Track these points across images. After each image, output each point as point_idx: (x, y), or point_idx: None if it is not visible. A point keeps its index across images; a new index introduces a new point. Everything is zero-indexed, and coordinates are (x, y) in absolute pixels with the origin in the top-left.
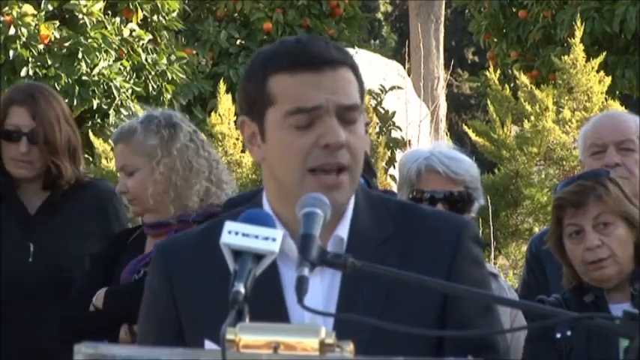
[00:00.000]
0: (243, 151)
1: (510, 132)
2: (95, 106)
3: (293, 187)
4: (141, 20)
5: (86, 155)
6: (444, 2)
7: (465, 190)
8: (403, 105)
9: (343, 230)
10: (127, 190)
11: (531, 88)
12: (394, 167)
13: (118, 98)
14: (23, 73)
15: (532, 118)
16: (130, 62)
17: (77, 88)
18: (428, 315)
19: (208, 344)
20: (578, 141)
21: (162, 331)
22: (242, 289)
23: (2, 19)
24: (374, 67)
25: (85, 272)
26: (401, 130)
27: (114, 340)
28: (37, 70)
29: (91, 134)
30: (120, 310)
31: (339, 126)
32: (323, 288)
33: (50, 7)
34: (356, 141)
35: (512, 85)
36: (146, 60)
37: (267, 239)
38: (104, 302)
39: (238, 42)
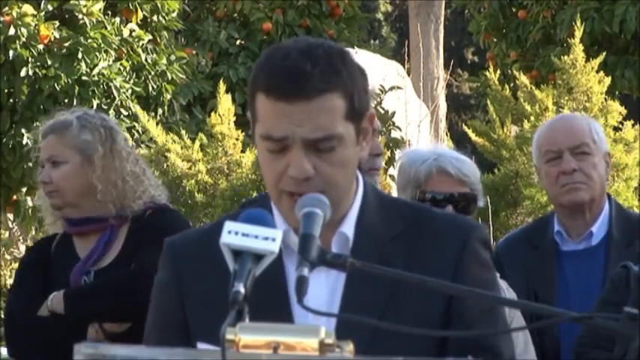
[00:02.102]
0: (243, 151)
1: (510, 132)
2: (95, 106)
3: (274, 200)
4: (141, 20)
5: None
6: (443, 2)
7: (470, 192)
8: (403, 105)
9: (349, 228)
10: (50, 180)
11: (531, 88)
12: (394, 167)
13: (117, 98)
14: (23, 73)
15: (532, 118)
16: (130, 62)
17: (77, 88)
18: (432, 314)
19: (200, 346)
20: (532, 147)
21: (169, 326)
22: (242, 289)
23: (2, 19)
24: (374, 68)
25: (17, 282)
26: (400, 130)
27: (81, 341)
28: (37, 70)
29: None
30: (86, 311)
31: (307, 157)
32: (328, 286)
33: (50, 7)
34: (329, 169)
35: (512, 85)
36: (146, 60)
37: (267, 239)
38: (66, 305)
39: (238, 42)
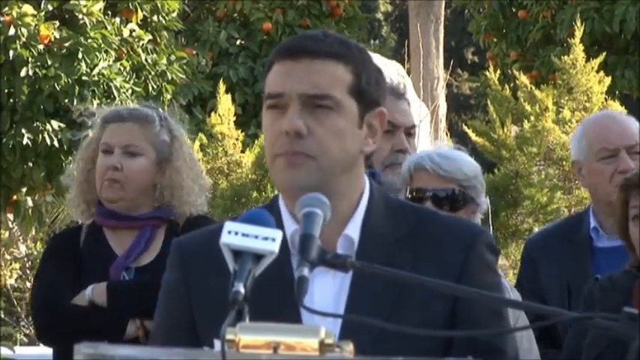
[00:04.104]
0: (243, 151)
1: (510, 132)
2: (95, 106)
3: (269, 166)
4: (141, 20)
5: None
6: (443, 2)
7: (459, 189)
8: None
9: (354, 229)
10: (121, 168)
11: (531, 88)
12: None
13: (117, 98)
14: (23, 73)
15: (532, 118)
16: (130, 62)
17: (77, 88)
18: (438, 316)
19: (217, 344)
20: (579, 143)
21: (176, 327)
22: (242, 289)
23: (2, 19)
24: None
25: (46, 270)
26: None
27: (118, 335)
28: (37, 70)
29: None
30: (130, 306)
31: (301, 115)
32: (334, 287)
33: (50, 7)
34: (323, 131)
35: (512, 85)
36: (146, 60)
37: (267, 239)
38: (110, 298)
39: (238, 42)
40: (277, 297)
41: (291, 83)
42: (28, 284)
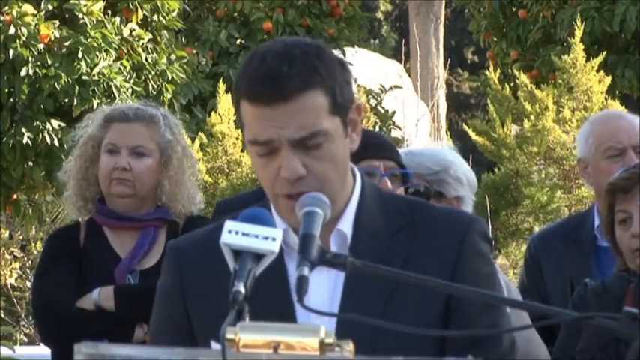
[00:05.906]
0: (242, 151)
1: (510, 131)
2: (95, 106)
3: (272, 203)
4: (141, 20)
5: None
6: (443, 2)
7: (424, 184)
8: (401, 104)
9: (347, 225)
10: (130, 169)
11: (531, 87)
12: None
13: (118, 98)
14: (23, 72)
15: (532, 117)
16: (130, 62)
17: (77, 87)
18: (433, 311)
19: (215, 346)
20: (586, 141)
21: (175, 330)
22: (242, 289)
23: (2, 18)
24: (374, 67)
25: (47, 270)
26: (401, 129)
27: (126, 339)
28: (37, 69)
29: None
30: (139, 311)
31: (297, 157)
32: (329, 284)
33: (50, 7)
34: (320, 165)
35: (512, 84)
36: (146, 59)
37: (267, 238)
38: (118, 303)
39: (238, 42)
40: (271, 296)
41: (276, 129)
42: (28, 283)
